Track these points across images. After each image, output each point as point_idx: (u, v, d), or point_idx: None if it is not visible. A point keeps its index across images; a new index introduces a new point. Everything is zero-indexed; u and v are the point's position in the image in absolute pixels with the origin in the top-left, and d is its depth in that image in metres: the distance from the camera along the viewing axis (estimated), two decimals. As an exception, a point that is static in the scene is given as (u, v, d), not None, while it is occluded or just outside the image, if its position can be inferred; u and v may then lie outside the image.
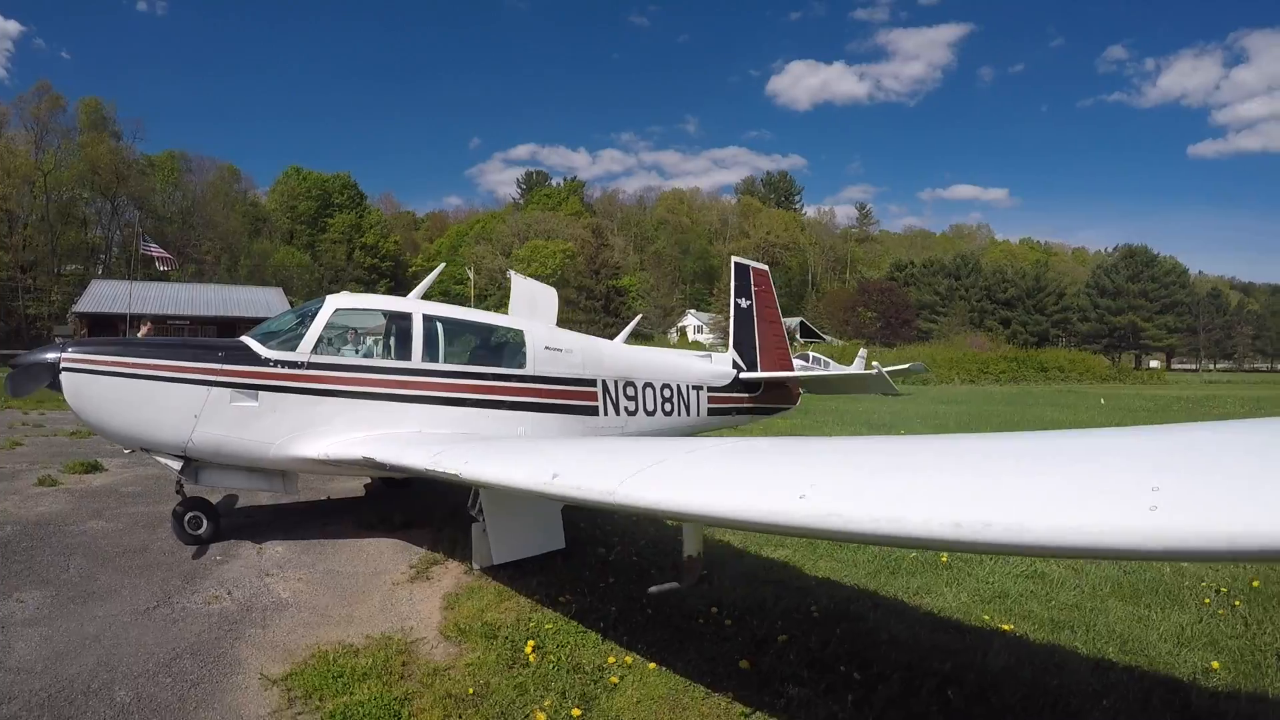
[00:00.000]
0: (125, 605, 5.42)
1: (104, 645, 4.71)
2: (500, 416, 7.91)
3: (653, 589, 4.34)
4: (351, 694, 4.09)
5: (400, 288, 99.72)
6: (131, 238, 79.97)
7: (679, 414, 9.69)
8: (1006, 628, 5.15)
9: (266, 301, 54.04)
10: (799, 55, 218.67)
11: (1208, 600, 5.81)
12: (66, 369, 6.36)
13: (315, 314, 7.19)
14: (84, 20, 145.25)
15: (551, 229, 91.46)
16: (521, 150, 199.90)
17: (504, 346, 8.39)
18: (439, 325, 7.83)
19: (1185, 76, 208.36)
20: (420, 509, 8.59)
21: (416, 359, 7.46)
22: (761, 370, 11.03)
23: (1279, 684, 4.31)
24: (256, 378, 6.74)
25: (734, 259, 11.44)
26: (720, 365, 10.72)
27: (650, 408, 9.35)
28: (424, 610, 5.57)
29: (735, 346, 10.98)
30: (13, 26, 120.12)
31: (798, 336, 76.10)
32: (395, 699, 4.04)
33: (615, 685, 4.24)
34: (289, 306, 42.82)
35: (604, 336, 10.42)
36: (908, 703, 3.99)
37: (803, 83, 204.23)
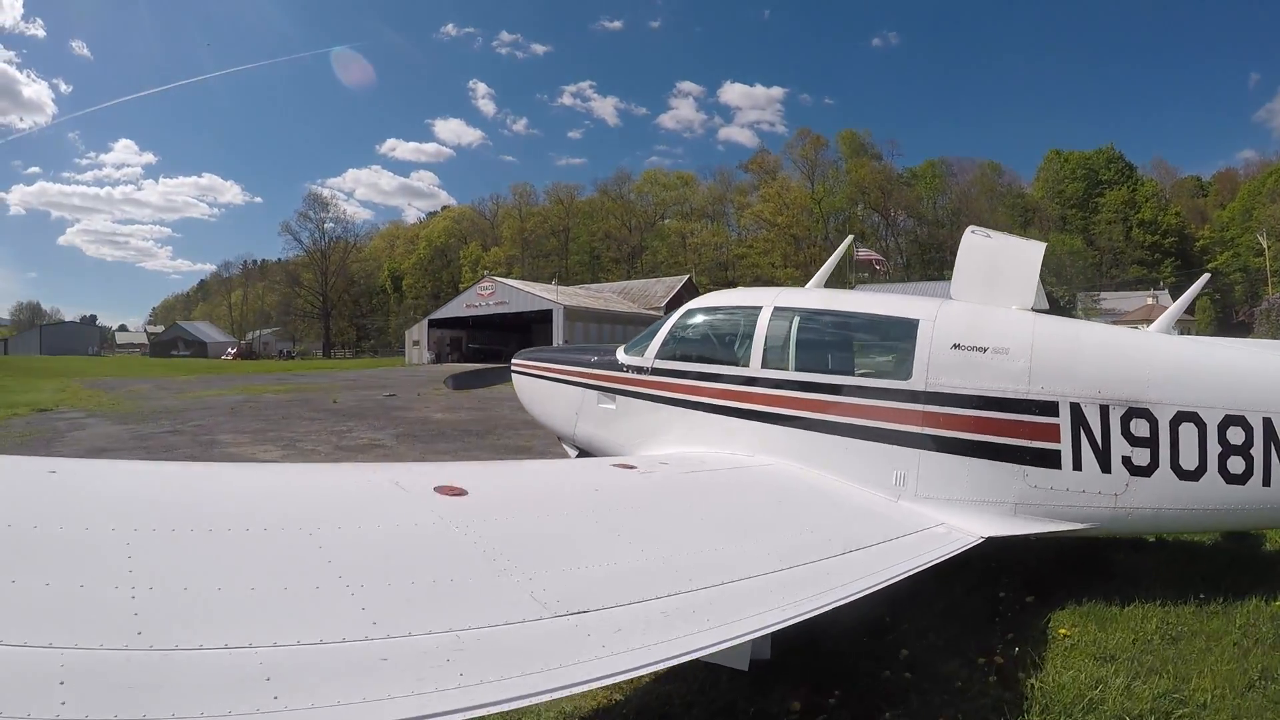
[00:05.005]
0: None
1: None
2: (858, 450, 5.27)
3: None
4: None
5: (1186, 265, 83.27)
6: (908, 245, 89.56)
7: (1263, 479, 4.86)
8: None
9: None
10: None
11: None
12: (514, 370, 8.20)
13: (667, 319, 6.75)
14: (830, 65, 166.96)
15: (1366, 167, 64.46)
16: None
17: (877, 346, 5.68)
18: (793, 320, 5.88)
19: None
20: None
21: (755, 365, 5.77)
22: None
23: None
24: (616, 381, 6.80)
25: None
26: None
27: (1190, 463, 4.83)
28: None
29: None
30: (776, 91, 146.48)
31: None
32: None
33: None
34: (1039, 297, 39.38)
35: None
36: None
37: None
